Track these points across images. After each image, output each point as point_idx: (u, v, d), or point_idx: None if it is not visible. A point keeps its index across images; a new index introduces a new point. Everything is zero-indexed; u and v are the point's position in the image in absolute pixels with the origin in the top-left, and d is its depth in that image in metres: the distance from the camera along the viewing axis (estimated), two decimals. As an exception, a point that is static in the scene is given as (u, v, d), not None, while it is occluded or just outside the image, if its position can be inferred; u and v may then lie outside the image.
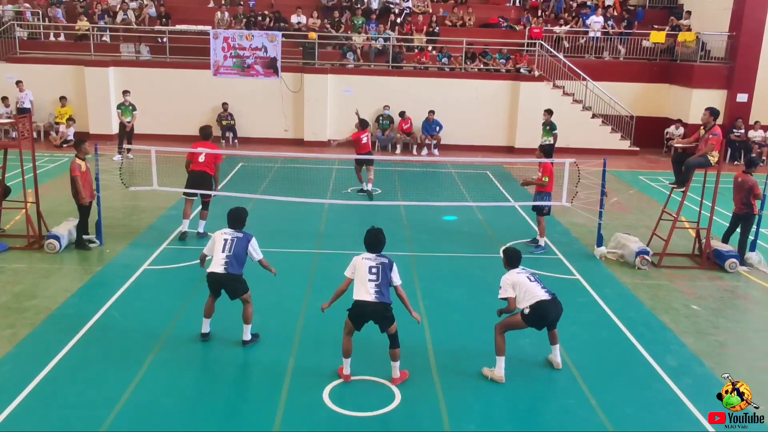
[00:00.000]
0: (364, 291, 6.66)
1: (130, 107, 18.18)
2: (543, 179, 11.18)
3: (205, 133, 11.77)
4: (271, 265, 7.84)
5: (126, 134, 18.11)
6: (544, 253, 11.40)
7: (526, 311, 6.97)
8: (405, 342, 7.86)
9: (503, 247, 7.62)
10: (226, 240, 7.46)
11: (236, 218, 7.64)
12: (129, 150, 16.67)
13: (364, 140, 14.38)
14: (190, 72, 20.87)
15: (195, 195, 11.41)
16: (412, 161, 18.84)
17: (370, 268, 6.72)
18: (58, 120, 20.35)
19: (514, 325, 7.13)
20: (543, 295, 6.99)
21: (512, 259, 7.28)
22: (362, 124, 14.58)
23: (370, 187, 14.79)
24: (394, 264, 6.82)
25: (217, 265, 7.39)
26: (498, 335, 7.12)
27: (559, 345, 7.39)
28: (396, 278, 6.79)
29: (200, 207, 11.57)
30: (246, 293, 7.60)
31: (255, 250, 7.59)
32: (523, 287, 7.04)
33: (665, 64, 22.55)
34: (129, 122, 18.11)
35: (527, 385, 7.10)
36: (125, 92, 18.49)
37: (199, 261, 8.02)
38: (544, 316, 7.03)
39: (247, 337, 7.67)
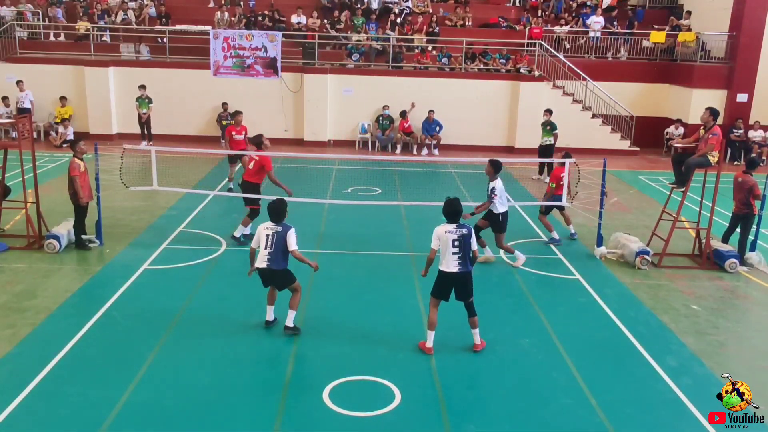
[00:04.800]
0: (449, 263, 7.39)
1: (146, 100, 19.65)
2: None
3: (254, 142, 11.64)
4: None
5: (143, 125, 19.78)
6: (545, 252, 11.40)
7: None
8: (405, 342, 7.89)
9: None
10: (267, 236, 7.75)
11: (274, 211, 7.86)
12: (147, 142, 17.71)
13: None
14: (190, 72, 20.86)
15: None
16: (412, 161, 18.83)
17: (453, 241, 7.37)
18: (57, 120, 20.37)
19: None
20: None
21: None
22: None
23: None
24: (472, 230, 7.54)
25: (262, 261, 7.74)
26: None
27: None
28: (474, 245, 7.48)
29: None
30: (293, 283, 7.91)
31: (289, 240, 7.74)
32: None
33: (665, 64, 22.54)
34: (145, 113, 19.69)
35: (527, 386, 7.09)
36: (142, 87, 19.67)
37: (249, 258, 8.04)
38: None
39: (290, 323, 7.93)
